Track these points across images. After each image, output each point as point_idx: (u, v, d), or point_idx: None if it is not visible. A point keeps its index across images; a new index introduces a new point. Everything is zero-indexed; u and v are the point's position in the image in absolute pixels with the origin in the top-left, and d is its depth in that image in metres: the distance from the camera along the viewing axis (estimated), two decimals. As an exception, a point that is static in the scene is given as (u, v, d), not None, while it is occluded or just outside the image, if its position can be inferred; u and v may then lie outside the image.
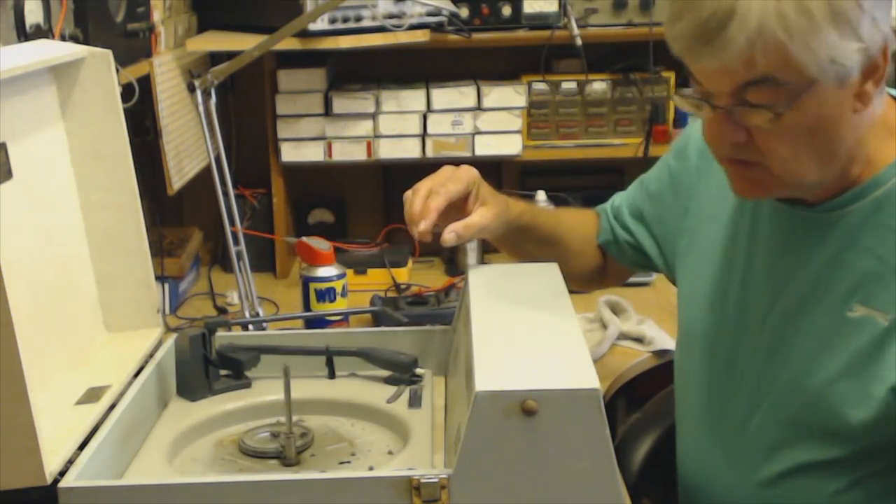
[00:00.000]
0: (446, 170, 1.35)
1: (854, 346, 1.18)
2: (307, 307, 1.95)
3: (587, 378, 1.03)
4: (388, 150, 2.40)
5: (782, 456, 1.25)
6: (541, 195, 2.32)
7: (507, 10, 2.39)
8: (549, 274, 1.35)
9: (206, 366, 1.37)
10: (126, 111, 1.44)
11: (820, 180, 1.17)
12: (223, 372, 1.40)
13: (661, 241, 1.48)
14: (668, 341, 1.90)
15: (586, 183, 2.55)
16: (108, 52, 1.38)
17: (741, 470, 1.29)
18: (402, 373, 1.39)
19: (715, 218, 1.36)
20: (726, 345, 1.32)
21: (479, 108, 2.41)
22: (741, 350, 1.30)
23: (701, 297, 1.36)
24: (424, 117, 2.40)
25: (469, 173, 1.35)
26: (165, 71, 2.07)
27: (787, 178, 1.15)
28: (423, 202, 1.30)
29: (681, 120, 2.49)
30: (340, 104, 2.38)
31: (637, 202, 1.51)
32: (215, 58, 2.29)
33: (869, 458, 1.21)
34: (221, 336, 1.42)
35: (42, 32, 1.55)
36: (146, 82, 1.96)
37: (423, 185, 1.32)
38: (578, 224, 1.55)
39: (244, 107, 2.57)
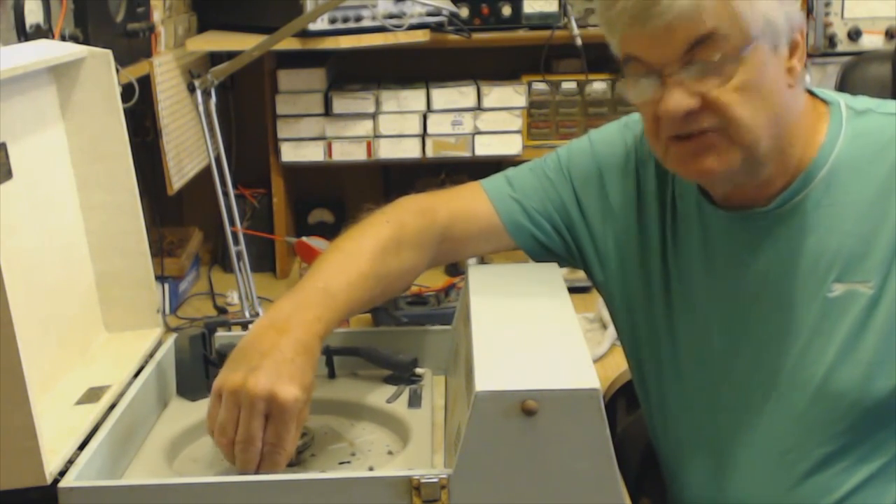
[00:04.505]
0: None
1: (844, 325, 1.20)
2: (307, 307, 1.94)
3: (587, 378, 1.03)
4: (388, 150, 2.40)
5: (798, 457, 1.25)
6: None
7: (507, 10, 2.39)
8: (549, 274, 1.35)
9: (206, 366, 1.37)
10: (126, 111, 1.44)
11: (768, 152, 1.18)
12: (223, 372, 1.40)
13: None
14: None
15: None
16: (108, 52, 1.38)
17: (755, 480, 1.28)
18: (402, 373, 1.39)
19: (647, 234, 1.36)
20: (712, 357, 1.30)
21: (479, 108, 2.41)
22: (730, 360, 1.29)
23: (666, 316, 1.34)
24: (424, 117, 2.40)
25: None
26: (165, 71, 2.07)
27: (746, 142, 1.16)
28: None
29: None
30: (340, 104, 2.38)
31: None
32: (215, 58, 2.30)
33: (884, 444, 1.22)
34: (221, 336, 1.42)
35: (42, 32, 1.55)
36: (146, 82, 1.96)
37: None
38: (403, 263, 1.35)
39: (244, 107, 2.57)
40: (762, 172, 1.21)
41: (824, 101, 1.27)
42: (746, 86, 1.14)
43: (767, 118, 1.16)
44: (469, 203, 1.39)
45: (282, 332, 1.13)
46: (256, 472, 1.10)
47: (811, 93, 1.27)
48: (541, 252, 1.40)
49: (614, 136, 1.41)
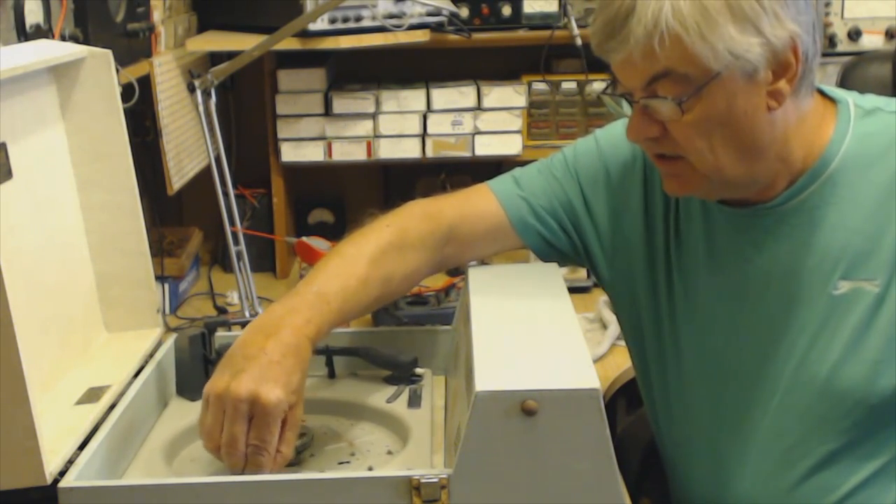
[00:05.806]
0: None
1: (850, 323, 1.20)
2: (307, 307, 1.94)
3: (587, 378, 1.03)
4: (388, 150, 2.40)
5: (801, 454, 1.24)
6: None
7: (507, 10, 2.39)
8: (549, 274, 1.35)
9: (205, 366, 1.37)
10: (126, 111, 1.44)
11: (748, 177, 1.20)
12: (223, 372, 1.40)
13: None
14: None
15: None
16: (108, 52, 1.38)
17: (758, 477, 1.28)
18: (402, 373, 1.39)
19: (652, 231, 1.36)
20: (716, 355, 1.30)
21: (479, 108, 2.41)
22: (734, 357, 1.29)
23: (671, 313, 1.35)
24: (424, 117, 2.40)
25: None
26: (165, 71, 2.07)
27: (707, 171, 1.18)
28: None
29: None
30: (340, 104, 2.38)
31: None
32: (215, 58, 2.30)
33: (886, 442, 1.22)
34: (221, 336, 1.42)
35: (42, 32, 1.55)
36: (146, 82, 1.96)
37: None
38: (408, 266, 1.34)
39: (244, 107, 2.57)
40: (750, 185, 1.22)
41: (833, 99, 1.26)
42: (705, 119, 1.14)
43: (736, 150, 1.16)
44: (476, 203, 1.40)
45: (268, 336, 1.13)
46: (243, 474, 1.10)
47: (820, 91, 1.26)
48: (547, 250, 1.40)
49: (620, 135, 1.41)
